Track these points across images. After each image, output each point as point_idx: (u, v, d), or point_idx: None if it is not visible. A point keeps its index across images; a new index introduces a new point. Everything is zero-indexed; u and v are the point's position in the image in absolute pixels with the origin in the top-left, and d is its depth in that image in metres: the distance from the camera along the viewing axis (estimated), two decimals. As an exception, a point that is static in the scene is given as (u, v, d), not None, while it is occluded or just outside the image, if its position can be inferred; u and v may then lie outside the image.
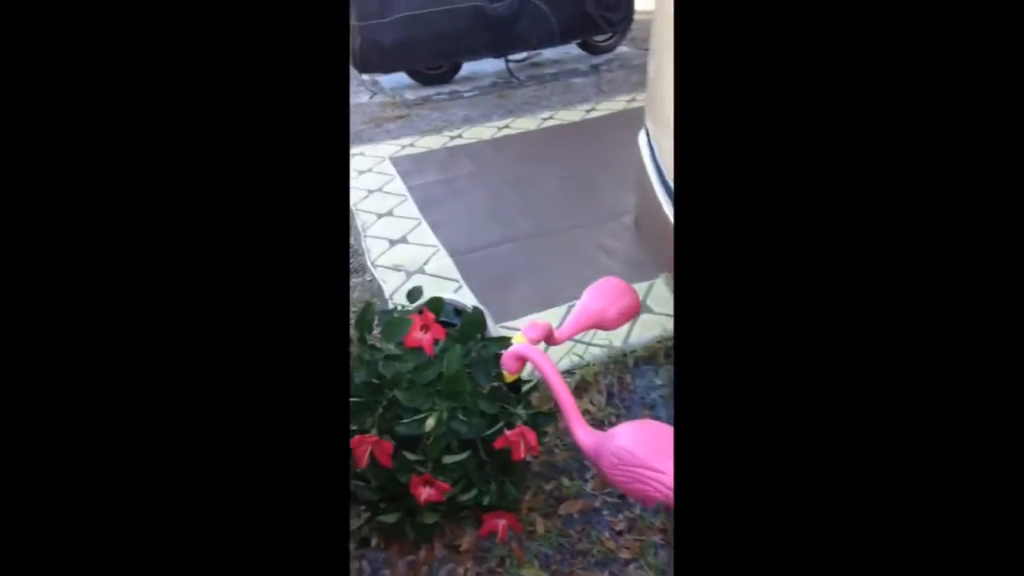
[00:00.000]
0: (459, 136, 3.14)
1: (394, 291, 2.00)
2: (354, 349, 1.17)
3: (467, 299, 1.92)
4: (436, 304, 1.28)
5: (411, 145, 3.09)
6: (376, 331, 1.25)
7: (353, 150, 3.06)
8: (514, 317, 1.84)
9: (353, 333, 1.19)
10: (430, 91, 3.81)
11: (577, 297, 1.90)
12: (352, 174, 2.82)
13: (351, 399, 1.14)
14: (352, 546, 1.21)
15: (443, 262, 2.14)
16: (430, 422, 1.07)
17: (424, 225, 2.37)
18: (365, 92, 3.92)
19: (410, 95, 3.78)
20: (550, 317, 1.83)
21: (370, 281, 2.07)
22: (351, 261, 2.18)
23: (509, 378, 1.15)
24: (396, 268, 2.12)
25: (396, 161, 2.92)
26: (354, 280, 2.09)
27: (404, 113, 3.53)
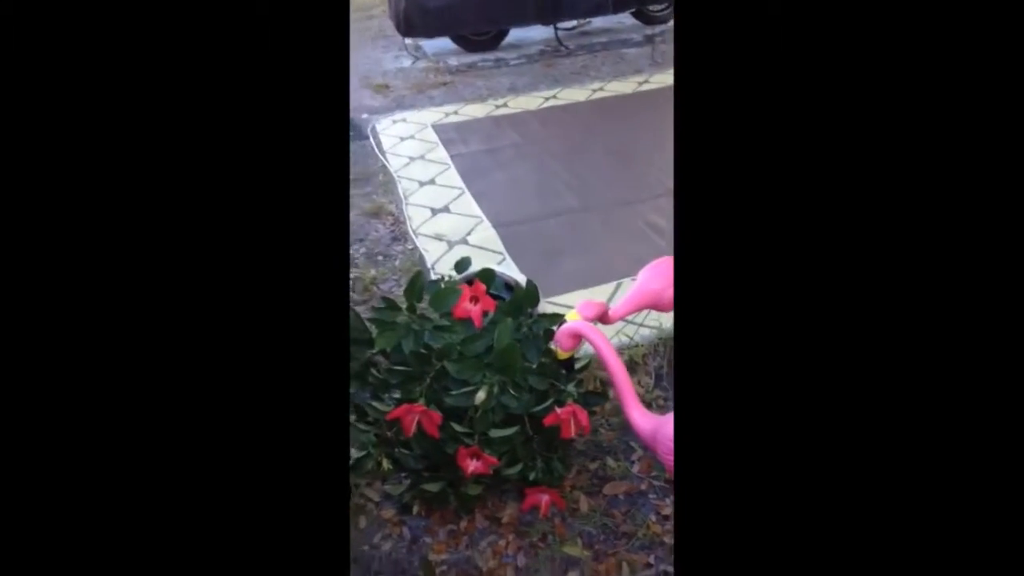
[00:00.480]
0: (504, 105, 3.10)
1: (436, 261, 2.00)
2: (402, 318, 1.17)
3: (511, 272, 1.91)
4: (487, 275, 1.28)
5: (454, 113, 3.06)
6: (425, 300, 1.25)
7: (395, 116, 3.05)
8: (560, 293, 1.82)
9: (403, 301, 1.19)
10: (475, 58, 3.76)
11: (626, 275, 1.88)
12: (394, 140, 2.82)
13: (399, 367, 1.14)
14: (393, 511, 1.23)
15: (487, 234, 2.12)
16: (481, 395, 1.07)
17: (467, 195, 2.36)
18: (407, 57, 3.89)
19: (454, 61, 3.73)
20: (597, 294, 1.81)
21: (412, 250, 2.07)
22: (394, 229, 2.19)
23: (562, 355, 1.14)
24: (438, 237, 2.12)
25: (439, 128, 2.90)
26: (396, 248, 2.10)
27: (447, 80, 3.49)
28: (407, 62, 3.84)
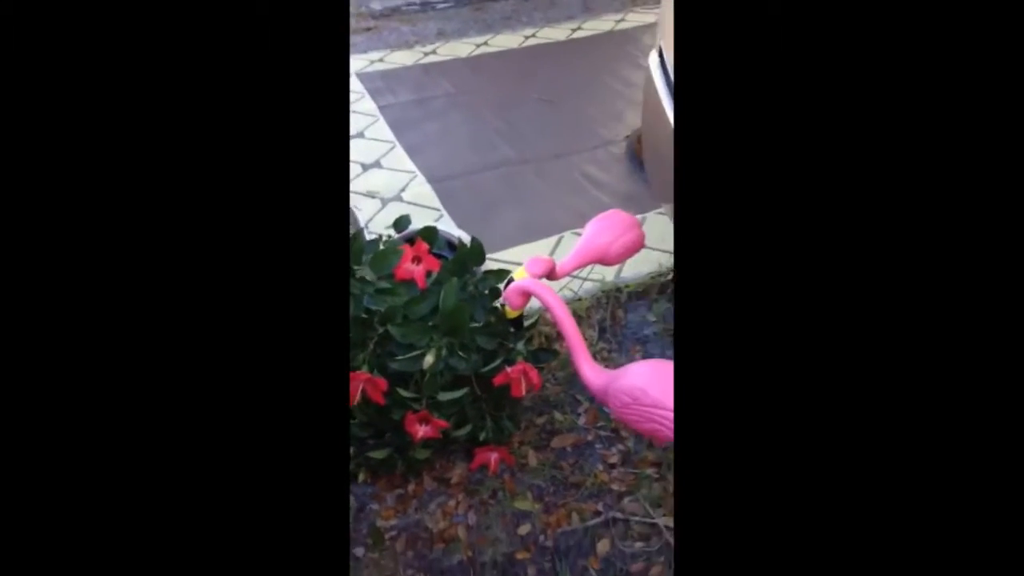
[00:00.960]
0: (433, 52, 2.95)
1: (370, 219, 1.91)
2: (342, 280, 1.10)
3: (449, 229, 1.85)
4: (429, 234, 1.22)
5: (380, 60, 2.88)
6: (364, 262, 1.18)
7: (317, 63, 2.84)
8: (500, 248, 1.79)
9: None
10: (399, 1, 3.54)
11: (566, 228, 1.87)
12: (317, 90, 2.63)
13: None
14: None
15: (421, 189, 2.04)
16: (428, 359, 1.03)
17: (399, 148, 2.25)
18: None
19: (377, 5, 3.49)
20: (538, 249, 1.79)
21: (344, 208, 1.96)
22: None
23: (512, 314, 1.12)
24: (371, 195, 2.02)
25: (364, 77, 2.73)
26: (327, 206, 1.98)
27: (371, 25, 3.28)
28: (326, 4, 3.56)
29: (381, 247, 1.20)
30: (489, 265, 1.63)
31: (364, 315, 1.10)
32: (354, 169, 2.13)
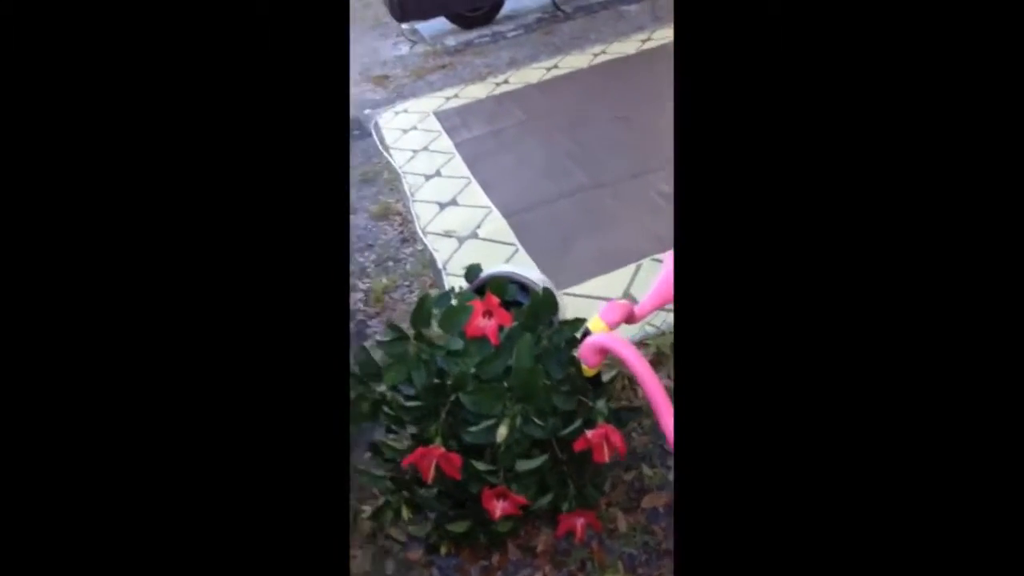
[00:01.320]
0: (505, 82, 2.87)
1: (447, 260, 1.84)
2: (412, 347, 1.02)
3: (524, 263, 1.74)
4: (499, 286, 1.11)
5: (455, 96, 2.84)
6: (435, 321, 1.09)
7: (396, 107, 2.85)
8: (578, 282, 1.65)
9: (410, 329, 1.04)
10: (472, 35, 3.50)
11: (644, 254, 1.70)
12: (396, 134, 2.63)
13: (413, 403, 1.00)
14: (420, 552, 1.11)
15: (497, 224, 1.95)
16: (502, 431, 0.92)
17: (474, 184, 2.17)
18: (405, 43, 3.65)
19: (451, 41, 3.48)
20: (617, 279, 1.63)
21: (421, 251, 1.91)
22: (402, 229, 2.03)
23: (589, 372, 0.98)
24: (448, 234, 1.95)
25: (441, 115, 2.70)
26: (405, 251, 1.94)
27: (446, 62, 3.25)
28: (405, 48, 3.59)
29: (453, 302, 1.11)
30: (567, 301, 1.50)
31: (436, 379, 1.02)
32: (431, 209, 2.08)
